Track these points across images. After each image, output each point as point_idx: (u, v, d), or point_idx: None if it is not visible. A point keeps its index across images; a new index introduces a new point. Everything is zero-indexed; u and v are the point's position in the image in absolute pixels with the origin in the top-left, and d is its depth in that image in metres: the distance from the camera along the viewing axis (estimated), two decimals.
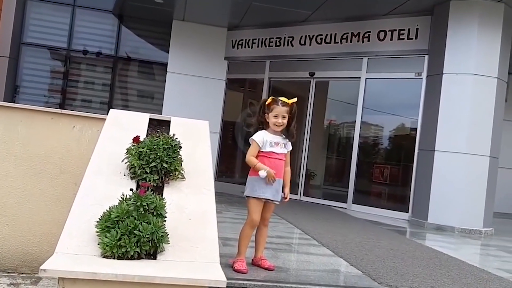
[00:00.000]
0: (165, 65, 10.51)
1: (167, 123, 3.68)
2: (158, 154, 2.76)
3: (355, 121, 8.99)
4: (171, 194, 2.72)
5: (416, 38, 8.37)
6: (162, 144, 2.81)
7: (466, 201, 7.29)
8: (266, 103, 3.61)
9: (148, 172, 2.74)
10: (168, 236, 2.29)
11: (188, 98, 10.21)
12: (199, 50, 10.45)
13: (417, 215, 7.71)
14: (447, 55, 7.56)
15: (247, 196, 3.51)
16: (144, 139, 2.90)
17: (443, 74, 7.58)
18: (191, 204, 2.69)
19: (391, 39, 8.64)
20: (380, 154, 9.31)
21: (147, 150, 2.77)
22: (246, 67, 10.59)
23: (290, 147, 3.61)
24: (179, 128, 3.54)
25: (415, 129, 8.27)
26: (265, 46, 10.22)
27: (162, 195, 2.68)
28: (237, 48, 10.58)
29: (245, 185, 3.64)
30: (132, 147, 2.84)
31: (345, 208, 8.88)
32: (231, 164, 11.18)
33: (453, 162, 7.35)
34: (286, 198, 3.58)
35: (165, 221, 2.33)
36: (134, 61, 11.19)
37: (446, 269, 4.30)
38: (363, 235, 5.74)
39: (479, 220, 7.29)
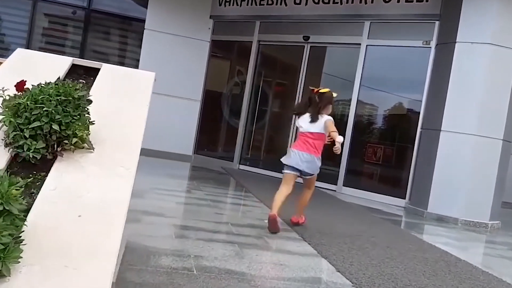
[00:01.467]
0: (142, 21, 9.35)
1: (97, 72, 2.67)
2: (47, 109, 1.76)
3: (352, 90, 7.98)
4: (62, 174, 1.74)
5: (426, 0, 7.31)
6: (56, 95, 1.81)
7: (473, 190, 6.38)
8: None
9: (28, 136, 1.75)
10: (21, 249, 1.32)
11: (167, 60, 9.09)
12: (182, 6, 9.28)
13: (416, 203, 6.80)
14: (462, 21, 6.51)
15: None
16: (33, 86, 1.90)
17: (455, 42, 6.55)
18: (92, 190, 1.71)
19: (398, 1, 7.56)
20: (377, 132, 8.35)
21: (29, 103, 1.78)
22: (233, 28, 9.45)
23: None
24: (109, 79, 2.54)
25: (419, 106, 7.30)
26: (255, 4, 9.08)
27: (45, 175, 1.71)
28: (224, 6, 9.43)
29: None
30: (9, 99, 1.84)
31: (335, 190, 7.96)
32: (213, 136, 10.18)
33: (461, 145, 6.41)
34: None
35: (16, 222, 1.34)
36: (108, 15, 10.03)
37: (458, 279, 3.39)
38: (354, 227, 4.83)
39: (485, 212, 6.39)
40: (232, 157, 9.23)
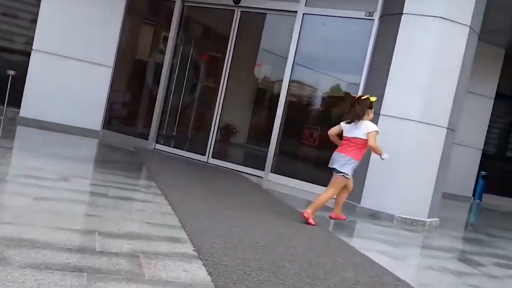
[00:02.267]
0: None
1: None
2: None
3: (285, 64, 7.02)
4: None
5: None
6: None
7: (412, 183, 5.65)
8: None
9: None
10: None
11: (73, 15, 7.67)
12: None
13: (348, 196, 5.99)
14: None
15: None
16: None
17: (402, 14, 5.71)
18: None
19: None
20: (311, 115, 7.47)
21: None
22: None
23: None
24: None
25: (358, 85, 6.45)
26: None
27: None
28: None
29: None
30: None
31: (261, 177, 7.03)
32: (126, 110, 8.92)
33: (401, 132, 5.64)
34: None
35: None
36: None
37: None
38: (269, 229, 3.88)
39: (424, 209, 5.70)
40: (148, 135, 8.05)
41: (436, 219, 5.90)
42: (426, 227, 5.62)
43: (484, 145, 10.75)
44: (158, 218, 3.66)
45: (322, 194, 4.51)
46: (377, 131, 4.40)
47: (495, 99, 10.85)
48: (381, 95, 5.70)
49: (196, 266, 2.64)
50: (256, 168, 7.16)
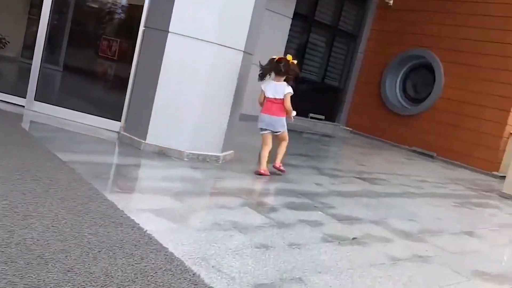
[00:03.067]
0: None
1: None
2: None
3: None
4: None
5: None
6: None
7: (204, 114, 4.96)
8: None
9: None
10: None
11: None
12: None
13: (132, 130, 5.04)
14: None
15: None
16: None
17: None
18: None
19: None
20: (89, 25, 6.10)
21: None
22: None
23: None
24: None
25: None
26: None
27: None
28: None
29: None
30: None
31: (23, 106, 5.55)
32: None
33: (193, 53, 4.80)
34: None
35: None
36: None
37: None
38: (5, 192, 2.75)
39: (218, 142, 5.11)
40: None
41: (231, 151, 5.40)
42: (220, 162, 5.08)
43: None
44: None
45: (280, 148, 5.04)
46: (291, 93, 4.82)
47: (292, 19, 10.81)
48: (170, 6, 4.70)
49: None
50: (15, 95, 5.62)
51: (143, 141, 4.84)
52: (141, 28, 5.13)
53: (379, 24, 12.96)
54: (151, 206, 3.18)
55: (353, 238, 3.51)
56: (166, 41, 4.74)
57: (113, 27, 6.46)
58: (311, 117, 12.60)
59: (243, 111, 5.73)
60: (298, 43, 12.05)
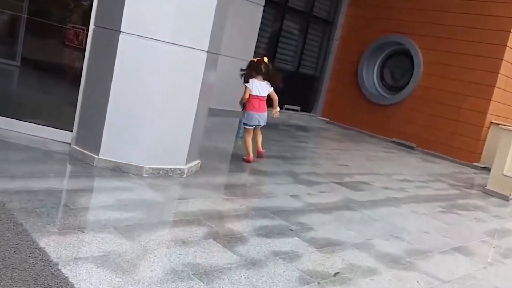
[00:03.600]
0: None
1: None
2: None
3: None
4: None
5: None
6: None
7: (165, 124, 4.41)
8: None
9: None
10: None
11: None
12: None
13: (84, 143, 4.45)
14: None
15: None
16: None
17: None
18: None
19: None
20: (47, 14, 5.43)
21: None
22: None
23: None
24: None
25: None
26: None
27: None
28: None
29: None
30: None
31: None
32: None
33: (150, 56, 4.23)
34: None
35: None
36: None
37: None
38: None
39: (181, 153, 4.57)
40: None
41: (197, 162, 4.88)
42: (185, 175, 4.56)
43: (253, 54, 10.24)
44: None
45: (258, 136, 5.77)
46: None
47: (264, 6, 10.25)
48: (120, 5, 4.10)
49: None
50: None
51: (96, 156, 4.27)
52: (91, 27, 4.50)
53: (354, 10, 12.47)
54: (94, 252, 2.65)
55: (335, 274, 3.05)
56: (118, 43, 4.14)
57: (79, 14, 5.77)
58: (286, 109, 12.12)
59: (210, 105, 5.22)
60: (271, 31, 11.50)
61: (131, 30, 4.13)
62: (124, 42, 4.14)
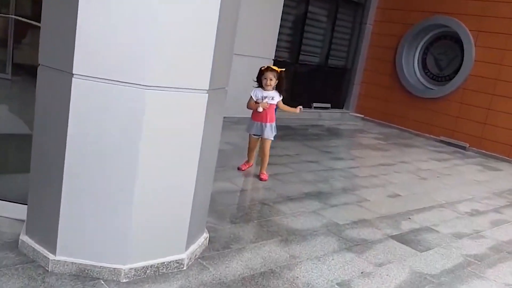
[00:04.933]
0: None
1: None
2: None
3: None
4: None
5: None
6: None
7: (152, 199, 2.98)
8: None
9: None
10: None
11: None
12: None
13: (36, 234, 3.07)
14: None
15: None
16: None
17: None
18: None
19: None
20: None
21: None
22: None
23: (277, 99, 5.22)
24: None
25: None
26: None
27: None
28: None
29: None
30: None
31: None
32: None
33: (122, 106, 2.79)
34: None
35: None
36: None
37: None
38: None
39: (179, 238, 3.16)
40: None
41: (203, 238, 3.49)
42: (184, 267, 3.17)
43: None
44: None
45: (264, 157, 5.32)
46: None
47: None
48: (71, 31, 2.68)
49: None
50: None
51: (51, 257, 2.90)
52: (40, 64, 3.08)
53: None
54: None
55: None
56: (70, 90, 2.73)
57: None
58: (315, 107, 10.63)
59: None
60: (293, 18, 9.91)
61: (86, 72, 2.69)
62: (77, 89, 2.71)
